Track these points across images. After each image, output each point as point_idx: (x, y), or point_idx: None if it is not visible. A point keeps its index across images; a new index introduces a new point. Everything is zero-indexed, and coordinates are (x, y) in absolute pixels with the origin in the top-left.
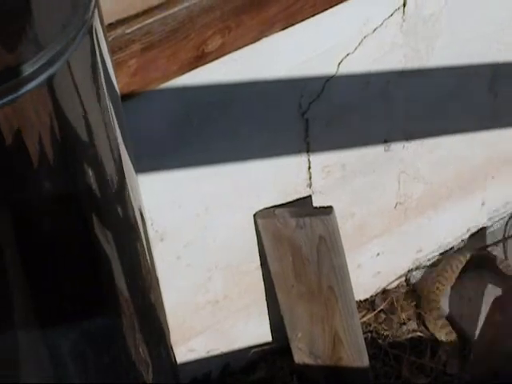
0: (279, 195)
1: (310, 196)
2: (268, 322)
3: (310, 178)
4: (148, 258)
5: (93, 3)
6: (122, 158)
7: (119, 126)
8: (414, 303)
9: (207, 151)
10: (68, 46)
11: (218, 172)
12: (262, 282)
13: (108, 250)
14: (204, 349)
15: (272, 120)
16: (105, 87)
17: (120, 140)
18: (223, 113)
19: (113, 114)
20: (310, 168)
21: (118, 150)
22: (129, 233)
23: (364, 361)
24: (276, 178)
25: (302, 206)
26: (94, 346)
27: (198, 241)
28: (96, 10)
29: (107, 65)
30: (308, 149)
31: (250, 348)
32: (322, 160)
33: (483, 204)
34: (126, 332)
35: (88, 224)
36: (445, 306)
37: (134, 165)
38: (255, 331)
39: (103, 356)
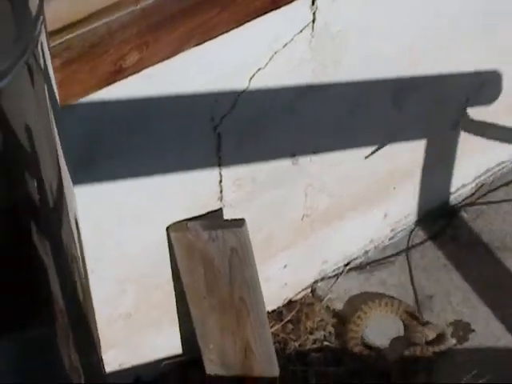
0: (191, 208)
1: (221, 209)
2: (179, 334)
3: (222, 191)
4: (82, 269)
5: (40, 20)
6: (61, 167)
7: (59, 137)
8: (321, 314)
9: (124, 165)
10: (18, 60)
11: (133, 185)
12: (174, 295)
13: (46, 260)
14: (116, 362)
15: (186, 134)
16: (48, 98)
17: (59, 150)
18: (139, 127)
19: (54, 124)
20: (221, 181)
21: (57, 160)
22: (66, 243)
23: (274, 370)
24: (189, 192)
25: (213, 219)
26: (30, 353)
27: (111, 254)
28: (43, 26)
29: (50, 77)
30: (220, 162)
31: (162, 360)
32: (233, 173)
33: (385, 216)
34: (59, 342)
35: (26, 233)
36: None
37: (69, 174)
38: (166, 344)
39: (38, 363)
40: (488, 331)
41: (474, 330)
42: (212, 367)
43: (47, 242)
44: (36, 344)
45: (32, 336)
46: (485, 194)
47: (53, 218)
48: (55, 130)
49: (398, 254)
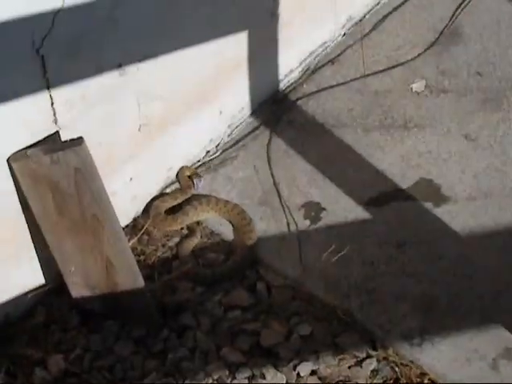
0: (29, 136)
1: (57, 132)
2: (39, 264)
3: (55, 113)
4: None
5: None
6: None
7: None
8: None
9: None
10: None
11: None
12: (27, 227)
13: None
14: None
15: (10, 61)
16: None
17: None
18: None
19: None
20: (53, 104)
21: None
22: None
23: (139, 282)
24: (23, 120)
25: (52, 143)
26: None
27: None
28: None
29: None
30: (48, 85)
31: (26, 294)
32: (63, 94)
33: (221, 113)
34: None
35: None
36: None
37: None
38: (29, 276)
39: None
40: (338, 207)
41: (324, 209)
42: (77, 289)
43: None
44: None
45: None
46: (312, 75)
47: None
48: None
49: (238, 148)
